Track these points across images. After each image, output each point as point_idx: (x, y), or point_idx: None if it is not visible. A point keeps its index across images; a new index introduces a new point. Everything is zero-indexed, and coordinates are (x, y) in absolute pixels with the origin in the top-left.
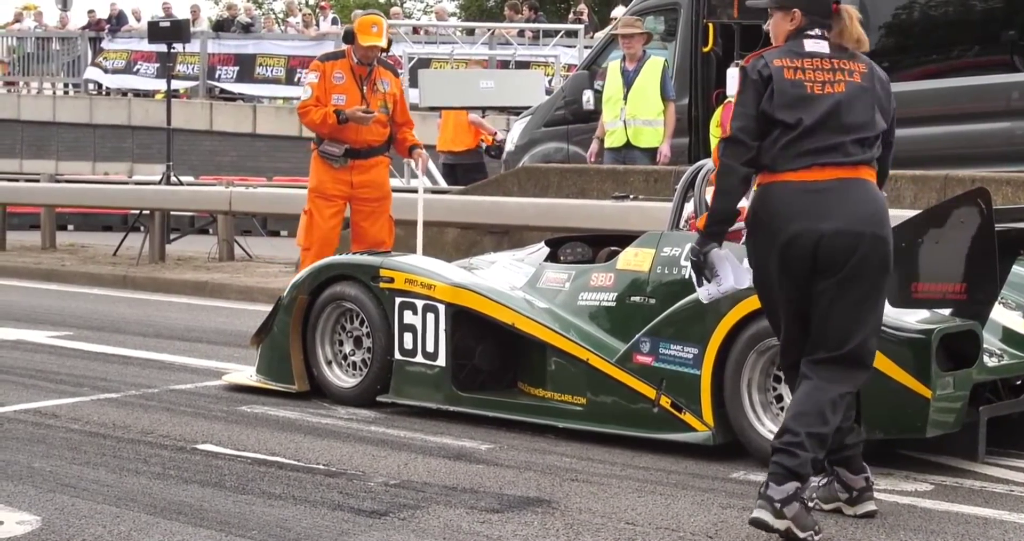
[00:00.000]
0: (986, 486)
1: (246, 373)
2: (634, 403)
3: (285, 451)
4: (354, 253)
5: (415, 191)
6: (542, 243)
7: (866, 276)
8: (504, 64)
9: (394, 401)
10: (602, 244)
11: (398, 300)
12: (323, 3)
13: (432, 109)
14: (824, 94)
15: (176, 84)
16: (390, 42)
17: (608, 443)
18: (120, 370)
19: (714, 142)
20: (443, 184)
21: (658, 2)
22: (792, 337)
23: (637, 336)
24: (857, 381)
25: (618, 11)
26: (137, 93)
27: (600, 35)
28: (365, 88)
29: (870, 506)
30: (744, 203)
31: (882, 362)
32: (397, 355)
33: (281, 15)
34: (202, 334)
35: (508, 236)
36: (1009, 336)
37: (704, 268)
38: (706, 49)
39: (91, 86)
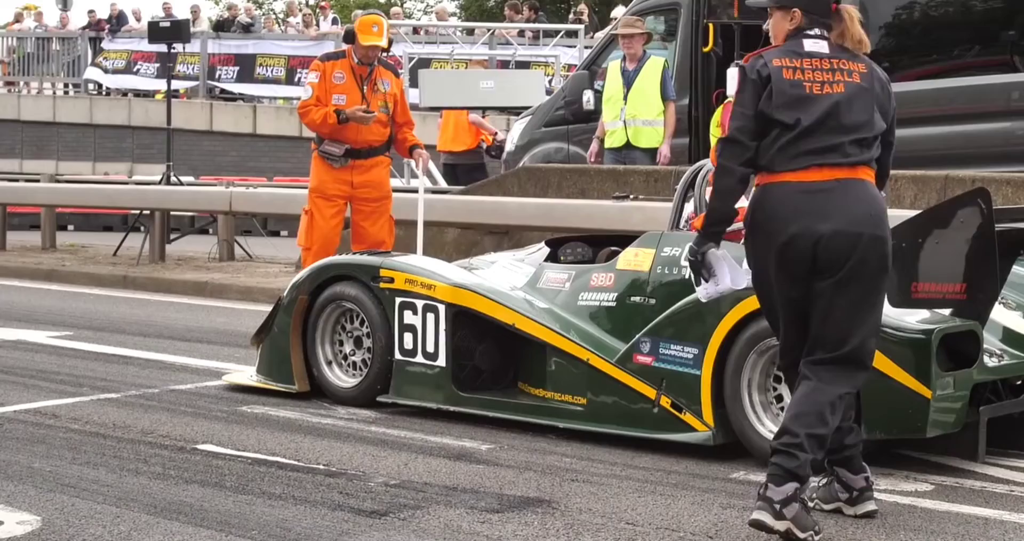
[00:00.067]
0: (986, 486)
1: (246, 373)
2: (634, 403)
3: (285, 451)
4: (354, 253)
5: (415, 191)
6: (542, 243)
7: (865, 277)
8: (504, 64)
9: (394, 401)
10: (602, 244)
11: (398, 300)
12: (323, 3)
13: (432, 109)
14: (823, 94)
15: (176, 84)
16: (391, 42)
17: (608, 443)
18: (120, 370)
19: (714, 142)
20: (443, 184)
21: (658, 2)
22: (791, 338)
23: (637, 336)
24: (856, 382)
25: (618, 11)
26: (137, 93)
27: (600, 35)
28: (366, 88)
29: (870, 506)
30: (743, 203)
31: (882, 362)
32: (397, 355)
33: (281, 15)
34: (202, 334)
35: (508, 236)
36: (1009, 336)
37: (702, 268)
38: (706, 49)
39: (91, 86)
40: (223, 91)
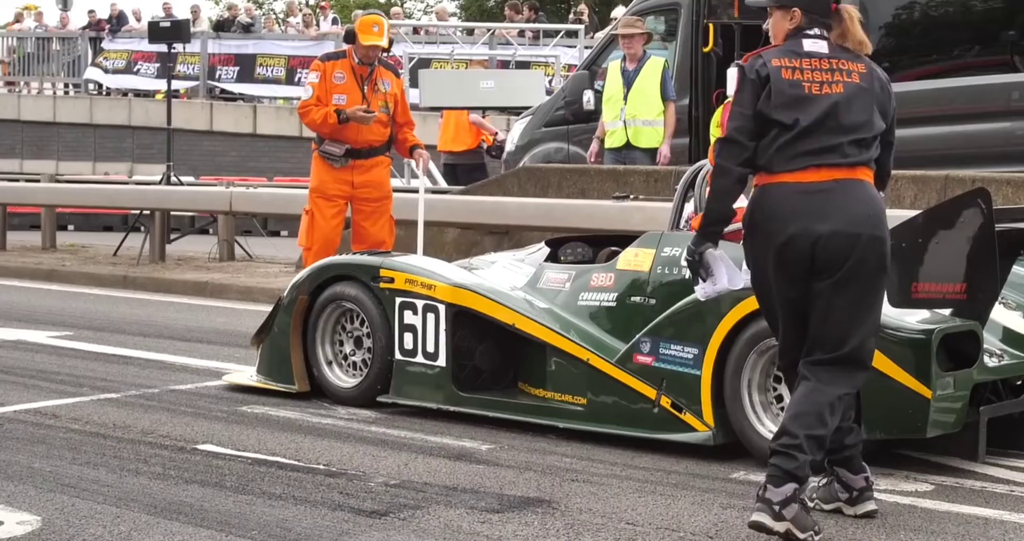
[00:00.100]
0: (986, 486)
1: (246, 373)
2: (634, 403)
3: (285, 451)
4: (355, 253)
5: (415, 191)
6: (542, 243)
7: (864, 277)
8: (504, 64)
9: (394, 401)
10: (602, 244)
11: (398, 300)
12: (323, 3)
13: (432, 109)
14: (822, 95)
15: (176, 84)
16: (391, 42)
17: (608, 443)
18: (120, 370)
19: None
20: (443, 184)
21: (658, 2)
22: (790, 338)
23: (637, 336)
24: (856, 382)
25: (618, 11)
26: (137, 93)
27: (600, 35)
28: (366, 88)
29: (870, 506)
30: (743, 203)
31: (882, 362)
32: (397, 355)
33: (281, 15)
34: (202, 334)
35: (508, 236)
36: (1009, 336)
37: (699, 268)
38: (706, 49)
39: (91, 86)
40: (223, 91)
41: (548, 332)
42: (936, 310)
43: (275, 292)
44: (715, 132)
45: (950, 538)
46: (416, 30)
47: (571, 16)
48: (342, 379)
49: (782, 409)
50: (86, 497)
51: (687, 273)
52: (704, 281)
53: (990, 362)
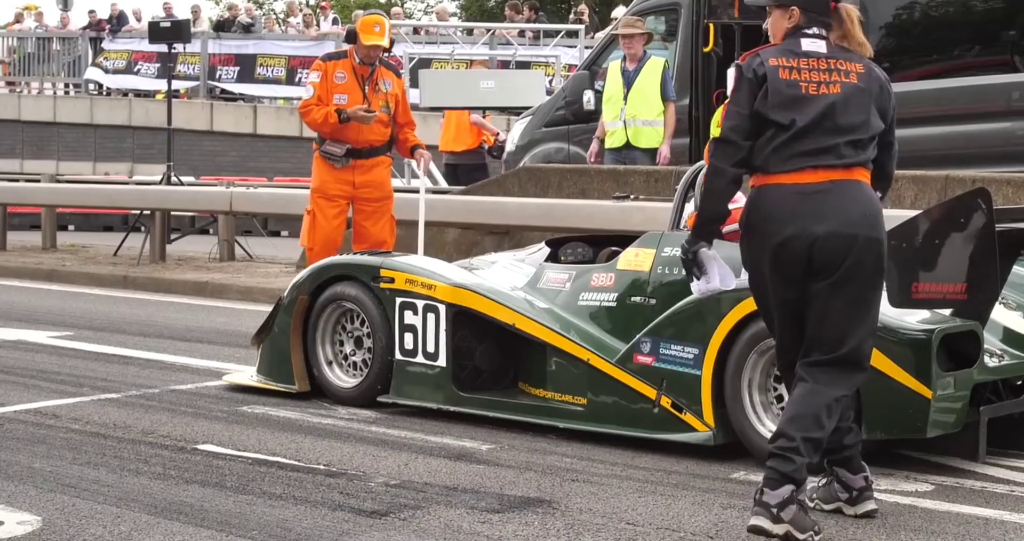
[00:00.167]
0: (987, 486)
1: (247, 373)
2: (635, 403)
3: (286, 451)
4: (355, 253)
5: (416, 191)
6: (543, 243)
7: (860, 278)
8: (505, 64)
9: (395, 401)
10: (603, 244)
11: (399, 300)
12: (324, 3)
13: (433, 109)
14: (819, 95)
15: (177, 84)
16: (392, 42)
17: (609, 443)
18: (120, 370)
19: None
20: (443, 184)
21: (659, 2)
22: (787, 339)
23: (638, 336)
24: (853, 383)
25: (619, 11)
26: (138, 93)
27: (600, 35)
28: (367, 88)
29: (870, 505)
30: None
31: (883, 362)
32: (398, 355)
33: (282, 15)
34: (203, 334)
35: (509, 236)
36: (1010, 336)
37: (693, 266)
38: (707, 49)
39: (92, 86)
40: (223, 91)
41: (548, 332)
42: (936, 310)
43: (275, 292)
44: (715, 132)
45: (950, 538)
46: (416, 30)
47: (571, 16)
48: (342, 379)
49: (783, 409)
50: (86, 497)
51: None
52: (698, 279)
53: (990, 362)
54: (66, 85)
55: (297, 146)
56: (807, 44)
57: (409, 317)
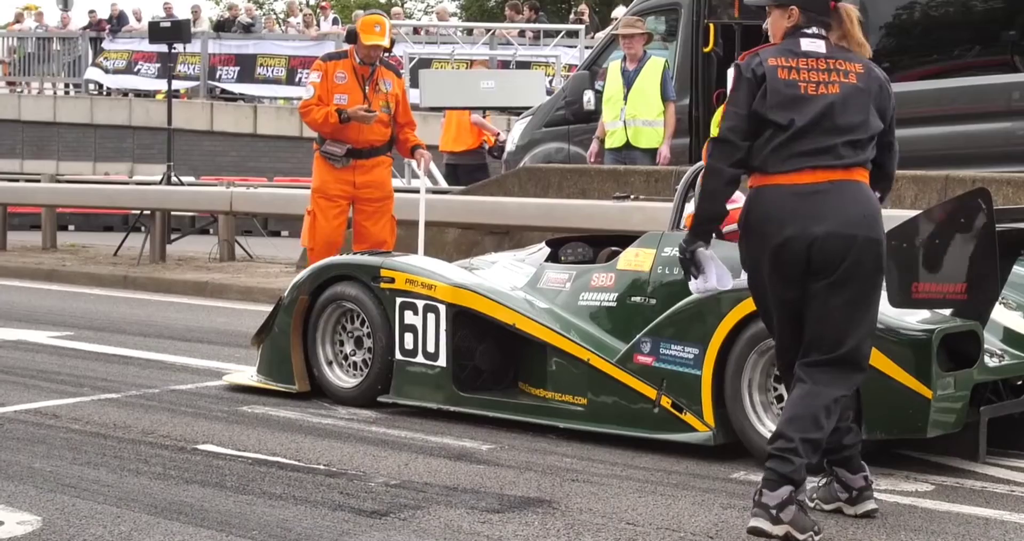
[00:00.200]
0: (987, 486)
1: (247, 373)
2: (635, 403)
3: (286, 451)
4: (356, 253)
5: (416, 191)
6: (543, 243)
7: (859, 278)
8: (505, 64)
9: (395, 401)
10: (603, 244)
11: (399, 300)
12: (324, 3)
13: (433, 109)
14: (817, 95)
15: (177, 84)
16: (392, 42)
17: (609, 443)
18: (121, 370)
19: None
20: (443, 184)
21: (659, 2)
22: (786, 340)
23: (638, 336)
24: (852, 384)
25: (619, 11)
26: (138, 93)
27: (601, 35)
28: (367, 88)
29: (870, 504)
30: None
31: (883, 362)
32: (398, 355)
33: (282, 15)
34: (203, 334)
35: (509, 236)
36: (1010, 336)
37: (691, 265)
38: (707, 49)
39: (92, 86)
40: (224, 91)
41: (548, 332)
42: (936, 310)
43: (275, 292)
44: (715, 132)
45: (950, 538)
46: (416, 30)
47: (571, 16)
48: (342, 379)
49: (783, 409)
50: (86, 497)
51: None
52: (695, 279)
53: (990, 362)
54: (66, 85)
55: (297, 146)
56: (806, 44)
57: (409, 317)
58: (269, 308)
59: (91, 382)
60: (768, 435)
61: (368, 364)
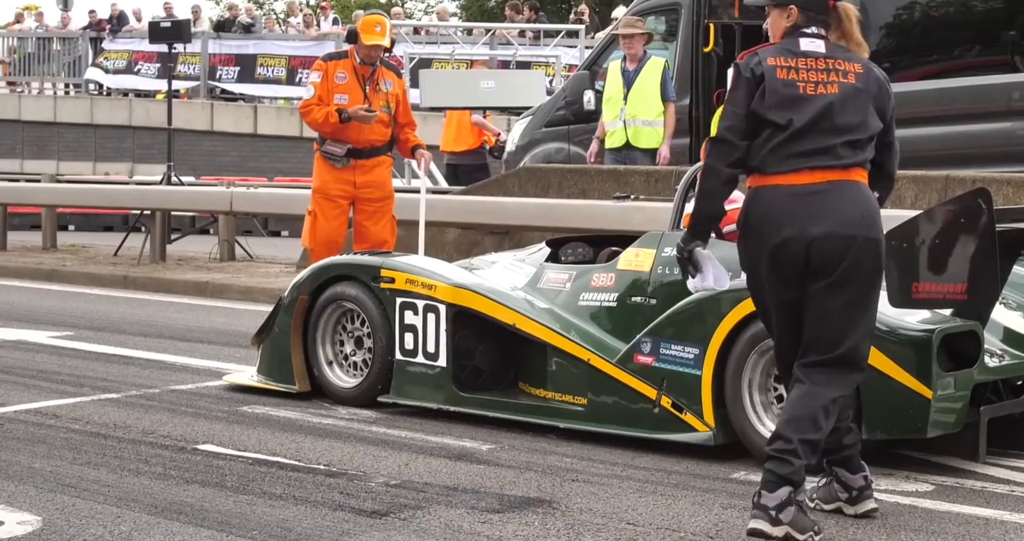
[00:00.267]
0: (987, 486)
1: (247, 373)
2: (635, 403)
3: (286, 451)
4: (356, 253)
5: (416, 191)
6: (543, 243)
7: (858, 278)
8: (505, 64)
9: (395, 401)
10: (603, 244)
11: (399, 300)
12: (324, 3)
13: (433, 109)
14: (816, 95)
15: (177, 84)
16: (393, 42)
17: (609, 443)
18: (121, 370)
19: None
20: (444, 184)
21: (659, 2)
22: (784, 340)
23: (638, 336)
24: (851, 384)
25: (619, 11)
26: (138, 93)
27: (601, 35)
28: (368, 88)
29: (870, 504)
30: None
31: (883, 362)
32: (398, 355)
33: (282, 15)
34: (203, 334)
35: (509, 236)
36: (1010, 336)
37: (688, 265)
38: (707, 49)
39: (92, 86)
40: (224, 91)
41: (548, 332)
42: (936, 310)
43: (275, 292)
44: (714, 132)
45: (950, 538)
46: (417, 30)
47: (571, 16)
48: (343, 379)
49: (782, 410)
50: (87, 497)
51: None
52: (693, 278)
53: (991, 362)
54: (66, 85)
55: (297, 146)
56: (805, 44)
57: (409, 317)
58: (269, 308)
59: (91, 382)
60: (768, 435)
61: (368, 364)
